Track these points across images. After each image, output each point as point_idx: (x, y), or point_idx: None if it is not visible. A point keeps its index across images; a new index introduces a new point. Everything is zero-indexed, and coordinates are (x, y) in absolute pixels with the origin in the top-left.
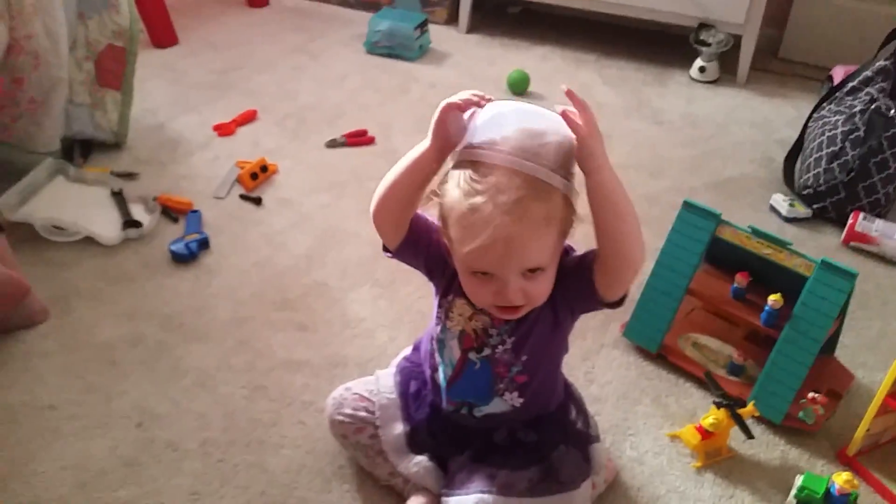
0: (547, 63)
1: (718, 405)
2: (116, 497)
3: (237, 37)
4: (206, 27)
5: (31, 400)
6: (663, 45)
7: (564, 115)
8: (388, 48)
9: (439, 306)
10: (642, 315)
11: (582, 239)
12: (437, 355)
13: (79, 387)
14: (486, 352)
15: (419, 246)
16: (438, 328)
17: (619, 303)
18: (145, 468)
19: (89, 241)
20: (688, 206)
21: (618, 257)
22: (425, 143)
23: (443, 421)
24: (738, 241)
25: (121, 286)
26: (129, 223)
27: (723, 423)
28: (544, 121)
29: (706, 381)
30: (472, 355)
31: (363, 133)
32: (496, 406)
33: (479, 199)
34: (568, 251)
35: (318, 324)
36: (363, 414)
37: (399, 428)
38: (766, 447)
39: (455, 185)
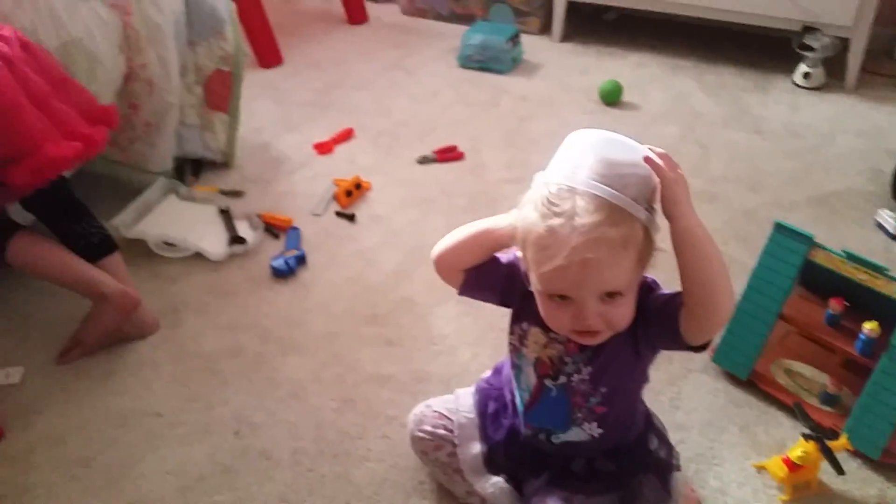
0: (642, 70)
1: (807, 437)
2: (213, 502)
3: (338, 54)
4: (309, 46)
5: (140, 407)
6: (766, 50)
7: (647, 159)
8: (480, 62)
9: (511, 332)
10: (732, 340)
11: (665, 272)
12: (514, 380)
13: (183, 395)
14: (562, 380)
15: (485, 285)
16: (514, 354)
17: (702, 347)
18: (240, 475)
19: (198, 256)
20: (779, 228)
21: (704, 306)
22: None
23: (520, 444)
24: (831, 265)
25: (225, 299)
26: (235, 240)
27: (812, 457)
28: (631, 152)
29: (795, 412)
30: (548, 382)
31: (453, 149)
32: (575, 435)
33: (555, 221)
34: (653, 287)
35: (405, 339)
36: (442, 432)
37: (476, 448)
38: (862, 484)
39: (533, 209)
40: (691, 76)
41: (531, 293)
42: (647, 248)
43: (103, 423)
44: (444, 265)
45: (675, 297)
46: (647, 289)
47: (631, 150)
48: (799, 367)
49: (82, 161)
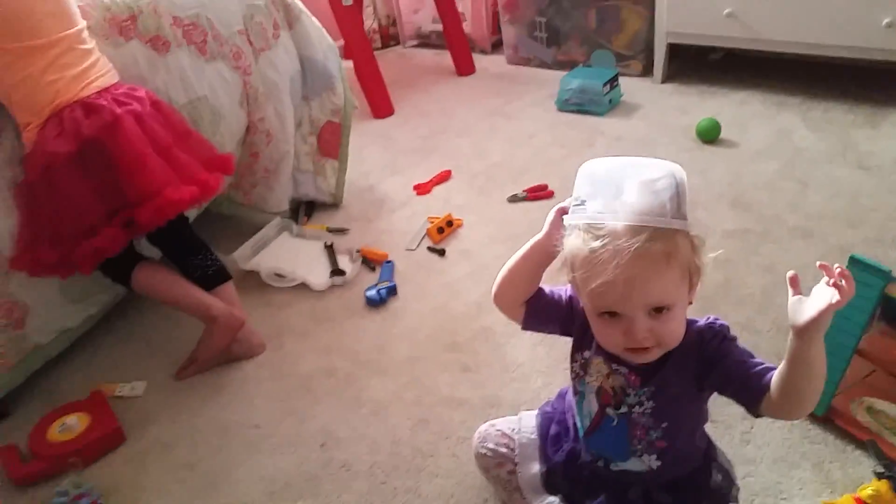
0: (744, 108)
1: (880, 476)
2: None
3: (444, 104)
4: (419, 96)
5: (241, 419)
6: (879, 84)
7: (835, 284)
8: (578, 105)
9: (573, 360)
10: None
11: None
12: (575, 407)
13: (280, 410)
14: (624, 409)
15: (545, 316)
16: (577, 382)
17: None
18: (322, 484)
19: (303, 286)
20: (854, 262)
21: (789, 407)
22: (540, 234)
23: (579, 467)
24: None
25: (324, 325)
26: (336, 272)
27: (885, 496)
28: (652, 169)
29: (869, 449)
30: (610, 411)
31: (543, 188)
32: (633, 465)
33: (598, 244)
34: (726, 335)
35: (481, 366)
36: (504, 450)
37: (535, 468)
38: None
39: (576, 237)
40: (796, 112)
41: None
42: (692, 262)
43: (209, 432)
44: (502, 297)
45: (764, 379)
46: (721, 336)
47: (652, 167)
48: (882, 405)
49: (199, 203)
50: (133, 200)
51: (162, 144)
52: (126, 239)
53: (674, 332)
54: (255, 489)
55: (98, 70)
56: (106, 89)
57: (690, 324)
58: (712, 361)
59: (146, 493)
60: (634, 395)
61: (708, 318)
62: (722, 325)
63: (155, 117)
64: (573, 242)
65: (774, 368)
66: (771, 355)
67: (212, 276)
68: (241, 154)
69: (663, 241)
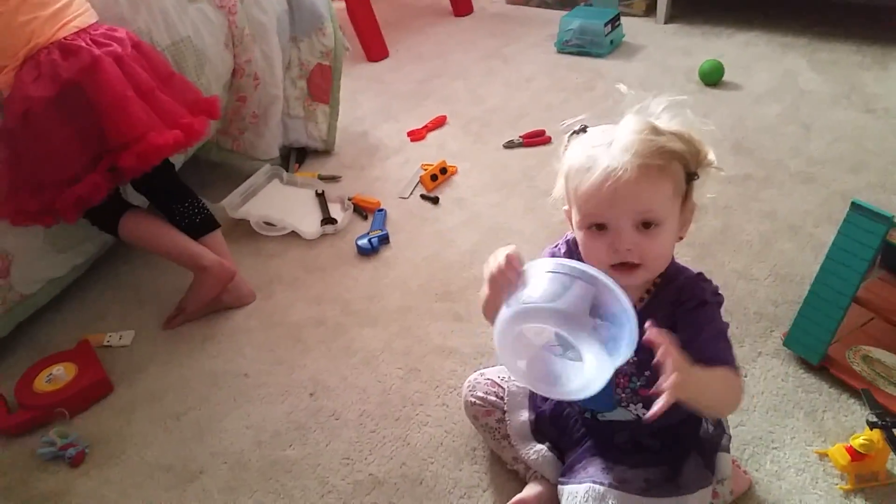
0: (749, 50)
1: (872, 425)
2: (284, 455)
3: (440, 46)
4: (414, 39)
5: (231, 368)
6: (890, 23)
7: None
8: (578, 46)
9: None
10: (805, 324)
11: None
12: None
13: (270, 359)
14: None
15: None
16: None
17: None
18: (311, 432)
19: (294, 235)
20: (856, 208)
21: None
22: (485, 291)
23: (566, 415)
24: None
25: (314, 275)
26: (327, 220)
27: (877, 445)
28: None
29: (863, 398)
30: None
31: (540, 133)
32: (620, 415)
33: (595, 151)
34: (703, 299)
35: (473, 315)
36: (493, 398)
37: (524, 415)
38: None
39: (578, 145)
40: (802, 54)
41: None
42: (684, 185)
43: (197, 382)
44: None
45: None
46: (697, 300)
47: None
48: (878, 353)
49: (184, 148)
50: (115, 146)
51: (144, 88)
52: (109, 186)
53: (659, 252)
54: (243, 438)
55: (75, 9)
56: (84, 30)
57: (678, 272)
58: (681, 323)
59: (133, 442)
60: None
61: (699, 274)
62: (703, 289)
63: (136, 59)
64: (573, 152)
65: (727, 360)
66: (768, 303)
67: (199, 225)
68: (228, 98)
69: (657, 155)
